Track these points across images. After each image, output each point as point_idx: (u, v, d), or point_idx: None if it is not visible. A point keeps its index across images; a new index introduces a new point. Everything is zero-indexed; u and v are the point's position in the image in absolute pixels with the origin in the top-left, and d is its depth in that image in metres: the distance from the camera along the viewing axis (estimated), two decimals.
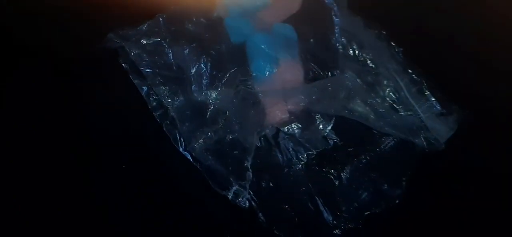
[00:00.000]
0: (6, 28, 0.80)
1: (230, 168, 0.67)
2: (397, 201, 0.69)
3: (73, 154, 0.71)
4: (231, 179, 0.67)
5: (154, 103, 0.72)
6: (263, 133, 0.71)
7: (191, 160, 0.69)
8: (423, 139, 0.72)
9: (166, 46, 0.74)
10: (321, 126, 0.71)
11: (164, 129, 0.71)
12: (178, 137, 0.70)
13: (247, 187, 0.66)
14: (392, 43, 0.78)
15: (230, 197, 0.66)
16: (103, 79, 0.76)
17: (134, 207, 0.68)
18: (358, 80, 0.73)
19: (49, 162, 0.70)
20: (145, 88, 0.72)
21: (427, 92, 0.74)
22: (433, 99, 0.73)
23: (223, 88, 0.72)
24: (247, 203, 0.66)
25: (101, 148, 0.71)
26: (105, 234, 0.66)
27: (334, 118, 0.71)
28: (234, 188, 0.66)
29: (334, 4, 0.79)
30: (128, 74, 0.73)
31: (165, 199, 0.68)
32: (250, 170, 0.67)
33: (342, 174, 0.70)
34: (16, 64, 0.77)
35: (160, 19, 0.76)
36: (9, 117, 0.73)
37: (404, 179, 0.70)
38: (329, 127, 0.70)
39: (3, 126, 0.72)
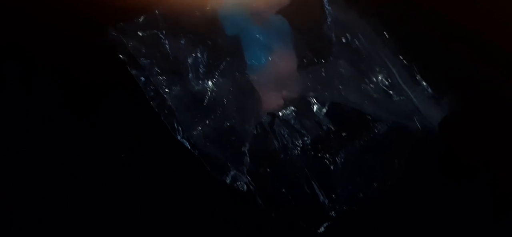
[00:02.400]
0: None
1: (228, 153, 0.69)
2: (390, 184, 0.71)
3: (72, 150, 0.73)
4: (229, 164, 0.68)
5: (152, 93, 0.73)
6: (260, 120, 0.72)
7: (189, 147, 0.71)
8: (417, 122, 0.73)
9: (163, 37, 0.75)
10: (315, 109, 0.73)
11: (162, 118, 0.72)
12: (175, 125, 0.72)
13: (245, 171, 0.68)
14: (383, 30, 0.79)
15: (228, 181, 0.68)
16: (101, 75, 0.78)
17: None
18: (351, 67, 0.75)
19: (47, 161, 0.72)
20: (142, 78, 0.74)
21: (419, 77, 0.76)
22: (425, 83, 0.75)
23: (220, 77, 0.73)
24: (245, 187, 0.68)
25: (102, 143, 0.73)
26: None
27: (328, 102, 0.73)
28: (232, 172, 0.68)
29: None
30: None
31: (163, 188, 0.71)
32: (247, 155, 0.69)
33: (336, 158, 0.72)
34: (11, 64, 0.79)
35: (156, 11, 0.77)
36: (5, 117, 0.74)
37: (396, 162, 0.72)
38: (324, 109, 0.72)
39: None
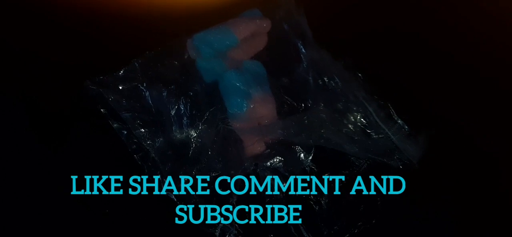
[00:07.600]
0: None
1: (214, 205, 0.69)
2: (373, 222, 0.72)
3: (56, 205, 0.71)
4: (217, 215, 0.68)
5: (134, 146, 0.73)
6: (244, 167, 0.73)
7: (175, 200, 0.70)
8: (397, 161, 0.75)
9: (144, 89, 0.75)
10: (302, 157, 0.74)
11: (146, 171, 0.72)
12: (161, 178, 0.71)
13: (233, 221, 0.68)
14: (357, 71, 0.82)
15: (217, 234, 0.68)
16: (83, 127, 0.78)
17: None
18: (329, 109, 0.77)
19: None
20: (125, 132, 0.73)
21: (395, 115, 0.78)
22: (400, 121, 0.78)
23: (203, 127, 0.74)
24: None
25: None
26: None
27: (313, 148, 0.74)
28: (220, 225, 0.68)
29: (299, 39, 0.83)
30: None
31: None
32: (234, 204, 0.70)
33: (321, 199, 0.73)
34: None
35: (136, 64, 0.77)
36: None
37: (379, 199, 0.74)
38: (310, 157, 0.74)
39: None
